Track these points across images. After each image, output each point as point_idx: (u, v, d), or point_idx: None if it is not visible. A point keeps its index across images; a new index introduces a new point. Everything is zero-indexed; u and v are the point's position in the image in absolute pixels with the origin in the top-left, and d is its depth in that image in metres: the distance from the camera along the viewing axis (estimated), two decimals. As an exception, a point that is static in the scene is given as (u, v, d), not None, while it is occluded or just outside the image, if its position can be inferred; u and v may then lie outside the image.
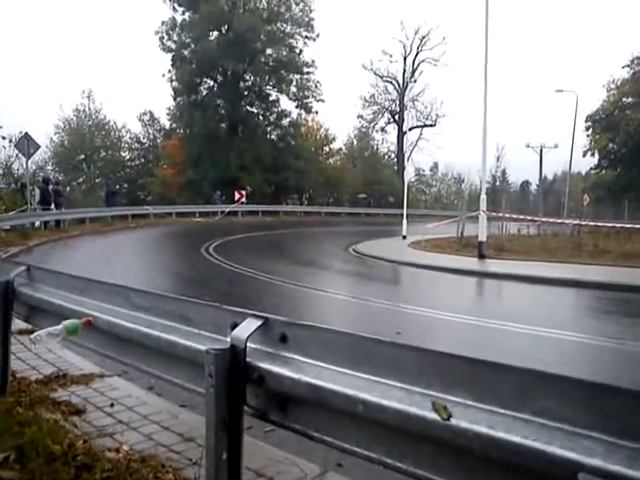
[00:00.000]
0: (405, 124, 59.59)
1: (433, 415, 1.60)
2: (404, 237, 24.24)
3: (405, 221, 25.66)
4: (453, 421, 1.56)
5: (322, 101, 49.96)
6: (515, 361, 1.55)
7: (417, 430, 1.67)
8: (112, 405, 3.96)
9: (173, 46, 46.58)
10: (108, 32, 77.30)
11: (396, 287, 13.90)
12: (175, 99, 47.88)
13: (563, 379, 1.43)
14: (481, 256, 16.83)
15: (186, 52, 46.24)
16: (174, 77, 46.65)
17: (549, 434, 1.39)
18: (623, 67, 46.47)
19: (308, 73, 49.04)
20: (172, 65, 46.55)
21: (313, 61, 48.97)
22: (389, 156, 61.14)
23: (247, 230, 27.09)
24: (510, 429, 1.46)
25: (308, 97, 49.36)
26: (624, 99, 46.35)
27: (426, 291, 12.57)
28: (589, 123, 48.30)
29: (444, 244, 21.03)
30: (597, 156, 49.82)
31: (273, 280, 12.00)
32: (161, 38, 46.51)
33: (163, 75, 47.14)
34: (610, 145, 47.88)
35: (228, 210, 36.69)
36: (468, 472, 1.59)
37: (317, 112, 51.36)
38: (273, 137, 49.69)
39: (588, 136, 48.98)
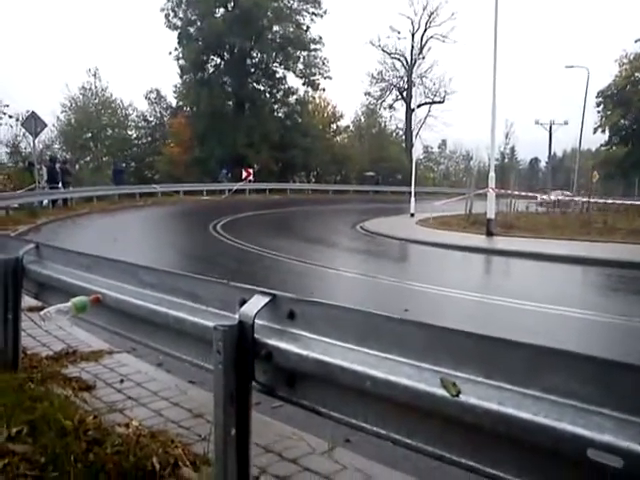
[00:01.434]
0: (413, 101, 59.17)
1: (442, 391, 1.59)
2: (412, 215, 24.16)
3: (413, 199, 25.56)
4: (462, 397, 1.55)
5: (329, 78, 49.65)
6: (522, 338, 1.54)
7: (426, 406, 1.66)
8: (122, 381, 4.00)
9: (179, 23, 46.21)
10: (114, 9, 76.81)
11: (404, 264, 13.89)
12: (182, 77, 47.67)
13: (573, 355, 1.42)
14: (489, 233, 16.79)
15: (192, 29, 45.87)
16: (180, 55, 46.41)
17: (559, 410, 1.39)
18: (636, 41, 45.71)
19: (315, 50, 48.65)
20: (178, 43, 46.28)
21: (320, 38, 48.56)
22: (397, 133, 60.77)
23: (255, 208, 27.10)
24: (520, 405, 1.45)
25: (315, 74, 49.00)
26: (637, 74, 45.64)
27: (434, 268, 12.56)
28: (600, 99, 47.69)
29: (452, 222, 20.96)
30: (607, 132, 49.33)
31: (281, 258, 12.02)
32: (167, 15, 46.20)
33: (170, 53, 46.94)
34: (621, 121, 47.36)
35: (235, 188, 36.66)
36: (477, 448, 1.58)
37: (324, 89, 51.14)
38: (280, 115, 49.45)
39: (599, 112, 48.48)
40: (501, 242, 15.57)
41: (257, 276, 9.79)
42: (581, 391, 1.37)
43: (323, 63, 49.01)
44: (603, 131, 49.37)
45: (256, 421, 2.41)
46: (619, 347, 6.09)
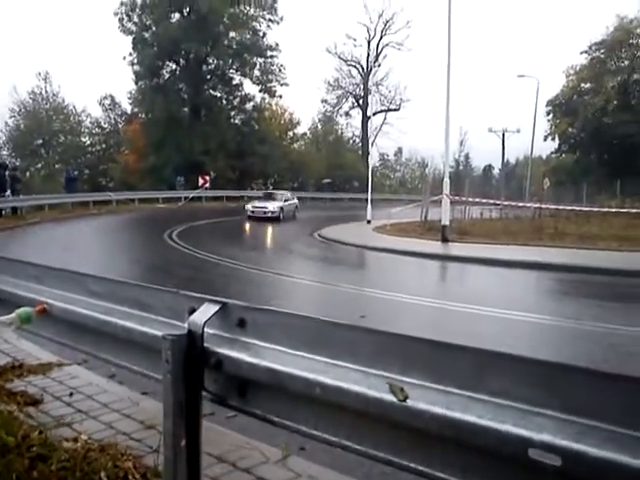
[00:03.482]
0: (369, 108, 59.28)
1: (390, 397, 1.60)
2: (369, 221, 24.36)
3: (370, 205, 25.78)
4: (410, 402, 1.56)
5: (286, 85, 49.59)
6: (476, 342, 1.56)
7: (375, 412, 1.67)
8: (71, 394, 3.88)
9: (134, 28, 45.41)
10: (65, 11, 74.88)
11: (361, 271, 13.97)
12: (136, 83, 46.78)
13: (519, 359, 1.45)
14: (444, 240, 17.03)
15: (147, 34, 45.17)
16: (135, 60, 45.56)
17: (504, 413, 1.41)
18: (581, 53, 47.41)
19: (272, 57, 48.53)
20: (133, 48, 45.42)
21: (277, 44, 48.46)
22: (354, 141, 61.23)
23: (211, 216, 26.82)
24: (466, 409, 1.47)
25: (272, 81, 48.89)
26: (582, 84, 47.30)
27: (390, 275, 12.67)
28: (549, 108, 49.21)
29: (408, 228, 21.20)
30: (557, 140, 50.91)
31: (238, 266, 11.93)
32: (121, 19, 45.31)
33: (124, 58, 45.97)
34: (569, 130, 48.90)
35: (192, 196, 36.25)
36: (426, 452, 1.59)
37: (281, 96, 51.05)
38: (237, 122, 49.15)
39: (549, 121, 50.04)
40: (456, 248, 15.83)
41: (214, 285, 9.70)
42: (526, 394, 1.40)
43: (280, 70, 49.00)
44: (553, 139, 50.95)
45: (210, 431, 2.38)
46: (570, 350, 6.26)
